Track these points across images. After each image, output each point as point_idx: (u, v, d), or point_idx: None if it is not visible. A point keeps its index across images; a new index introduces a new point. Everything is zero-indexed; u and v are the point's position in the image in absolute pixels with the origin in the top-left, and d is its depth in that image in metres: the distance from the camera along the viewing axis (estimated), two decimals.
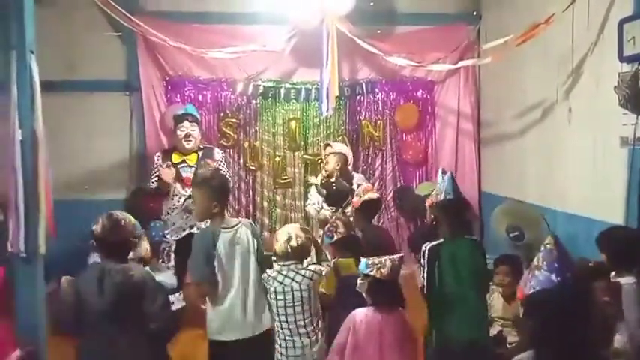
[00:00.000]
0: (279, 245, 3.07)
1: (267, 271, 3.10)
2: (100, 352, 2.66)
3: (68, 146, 5.37)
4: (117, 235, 2.73)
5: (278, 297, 3.00)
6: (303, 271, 3.04)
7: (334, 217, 3.55)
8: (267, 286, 3.05)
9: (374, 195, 4.19)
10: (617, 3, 3.48)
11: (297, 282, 3.00)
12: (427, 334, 3.17)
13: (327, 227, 3.50)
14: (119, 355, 2.65)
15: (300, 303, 2.99)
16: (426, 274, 3.09)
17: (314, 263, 3.19)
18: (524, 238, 4.05)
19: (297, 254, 3.07)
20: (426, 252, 3.09)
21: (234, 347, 3.00)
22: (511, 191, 5.02)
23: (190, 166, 4.61)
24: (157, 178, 4.59)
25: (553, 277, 2.01)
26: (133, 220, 2.82)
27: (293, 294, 2.99)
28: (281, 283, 3.00)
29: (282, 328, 3.03)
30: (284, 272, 3.03)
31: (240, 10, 5.57)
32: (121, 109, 5.66)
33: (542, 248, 2.11)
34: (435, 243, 3.10)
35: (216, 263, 2.98)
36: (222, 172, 4.48)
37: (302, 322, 3.01)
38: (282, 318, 3.01)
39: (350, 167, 5.02)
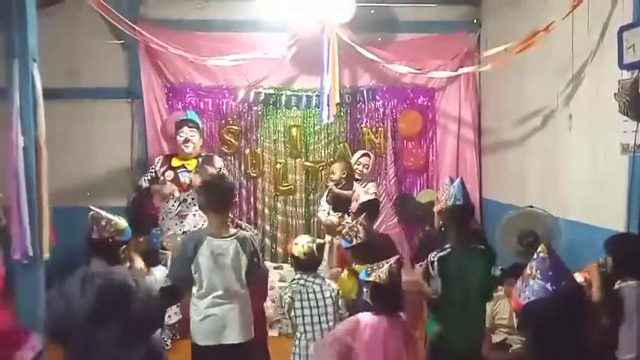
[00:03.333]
0: (297, 255, 3.20)
1: (289, 281, 3.21)
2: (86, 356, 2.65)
3: (70, 153, 5.37)
4: (96, 233, 2.72)
5: (302, 298, 3.09)
6: (327, 280, 3.19)
7: (356, 221, 3.57)
8: (290, 295, 3.10)
9: (369, 196, 4.21)
10: (617, 11, 3.49)
11: (317, 284, 3.13)
12: (429, 340, 3.16)
13: (346, 230, 3.51)
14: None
15: (324, 312, 3.09)
16: (440, 285, 3.06)
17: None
18: (539, 242, 4.00)
19: (312, 264, 3.22)
20: (435, 263, 3.07)
21: (216, 352, 3.01)
22: (512, 198, 5.02)
23: (189, 171, 4.70)
24: (150, 177, 4.72)
25: (548, 285, 1.97)
26: (119, 224, 2.79)
27: (315, 296, 3.09)
28: (303, 285, 3.11)
29: (303, 339, 3.09)
30: (305, 277, 3.15)
31: (241, 18, 5.59)
32: (122, 117, 5.67)
33: (534, 257, 2.08)
34: (443, 253, 3.07)
35: (193, 268, 2.97)
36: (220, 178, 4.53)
37: (326, 329, 3.07)
38: (308, 328, 3.08)
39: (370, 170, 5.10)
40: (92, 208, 2.81)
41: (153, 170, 4.84)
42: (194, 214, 4.59)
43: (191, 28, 5.60)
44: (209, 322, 3.00)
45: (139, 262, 3.47)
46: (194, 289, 3.04)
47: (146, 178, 4.84)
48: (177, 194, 4.63)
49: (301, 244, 3.22)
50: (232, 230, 3.11)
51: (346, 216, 4.56)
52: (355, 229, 3.46)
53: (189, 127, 4.79)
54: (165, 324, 4.04)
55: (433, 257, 3.10)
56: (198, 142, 4.86)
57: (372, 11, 5.57)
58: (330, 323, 3.11)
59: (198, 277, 2.99)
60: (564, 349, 1.95)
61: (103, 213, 2.80)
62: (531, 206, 4.27)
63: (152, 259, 3.92)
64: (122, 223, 2.82)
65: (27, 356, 2.51)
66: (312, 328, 3.09)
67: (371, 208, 4.11)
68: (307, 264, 3.21)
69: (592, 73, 3.81)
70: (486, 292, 3.19)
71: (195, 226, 4.58)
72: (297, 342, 3.13)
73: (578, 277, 2.86)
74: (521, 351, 3.32)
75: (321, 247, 3.30)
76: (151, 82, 5.62)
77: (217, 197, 3.08)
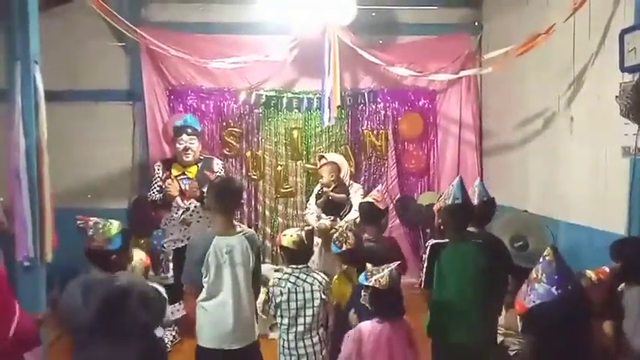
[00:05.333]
0: (286, 246, 3.14)
1: (277, 274, 3.15)
2: None
3: (71, 155, 5.38)
4: (87, 244, 2.66)
5: (290, 298, 3.04)
6: (314, 274, 3.12)
7: (345, 227, 3.55)
8: (277, 289, 3.07)
9: (368, 199, 4.21)
10: (618, 13, 3.50)
11: (308, 283, 3.07)
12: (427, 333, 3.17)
13: (336, 236, 3.50)
14: None
15: (310, 306, 3.04)
16: (425, 269, 3.10)
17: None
18: (528, 247, 4.04)
19: (303, 255, 3.16)
20: (429, 248, 3.11)
21: (220, 356, 2.99)
22: (513, 200, 5.01)
23: (190, 179, 4.59)
24: (159, 188, 4.59)
25: (553, 290, 1.96)
26: (111, 230, 2.69)
27: (304, 295, 3.04)
28: (294, 284, 3.06)
29: (287, 339, 3.06)
30: (296, 274, 3.09)
31: (242, 21, 5.60)
32: (124, 119, 5.69)
33: (540, 260, 2.08)
34: (439, 241, 3.11)
35: (204, 269, 2.98)
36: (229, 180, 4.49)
37: (308, 329, 3.04)
38: (292, 321, 3.04)
39: (348, 177, 5.01)
40: (78, 218, 2.70)
41: (157, 178, 4.70)
42: (198, 221, 4.57)
43: (192, 31, 5.61)
44: (217, 324, 2.99)
45: (139, 254, 3.46)
46: (203, 290, 3.03)
47: (155, 189, 4.58)
48: (180, 202, 4.59)
49: (289, 234, 3.18)
50: (238, 228, 3.11)
51: (338, 220, 4.55)
52: (345, 234, 3.44)
53: (189, 135, 4.58)
54: (168, 320, 4.04)
55: (428, 243, 3.14)
56: (198, 148, 4.72)
57: (373, 14, 5.58)
58: (316, 317, 3.07)
59: (208, 278, 2.99)
60: (569, 352, 1.94)
61: (91, 221, 2.69)
62: (526, 210, 4.28)
63: (153, 260, 3.93)
64: (110, 230, 2.69)
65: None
66: (295, 321, 3.06)
67: (366, 213, 4.07)
68: (298, 254, 3.15)
69: (593, 75, 3.81)
70: (488, 287, 3.17)
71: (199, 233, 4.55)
72: (283, 335, 3.10)
73: (592, 276, 2.86)
74: (524, 354, 3.32)
75: (309, 234, 3.22)
76: (152, 84, 5.63)
77: (225, 199, 3.08)
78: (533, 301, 1.98)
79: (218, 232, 3.05)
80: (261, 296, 3.23)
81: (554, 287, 1.96)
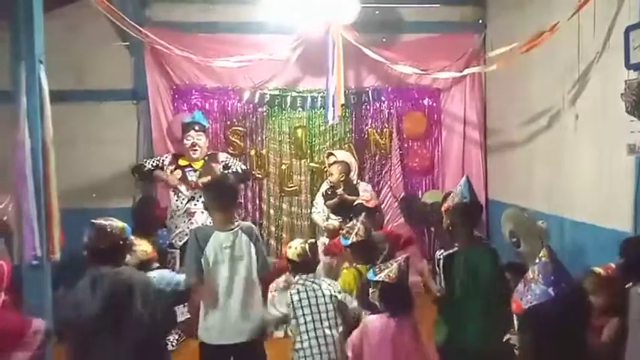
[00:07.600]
0: (291, 258, 3.19)
1: (295, 280, 3.18)
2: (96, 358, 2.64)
3: (76, 155, 5.39)
4: (104, 242, 2.68)
5: (303, 304, 3.05)
6: (321, 279, 3.16)
7: (356, 220, 3.57)
8: (294, 296, 3.07)
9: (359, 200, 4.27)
10: (624, 11, 3.48)
11: (317, 284, 3.11)
12: (437, 340, 3.14)
13: (346, 228, 3.52)
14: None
15: (325, 310, 3.05)
16: (444, 283, 3.06)
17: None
18: (520, 246, 4.03)
19: (308, 266, 3.19)
20: (441, 261, 3.07)
21: (222, 351, 3.02)
22: (518, 198, 5.01)
23: (195, 170, 4.72)
24: (155, 164, 4.81)
25: (550, 290, 1.97)
26: (119, 224, 2.76)
27: (317, 300, 3.06)
28: (304, 290, 3.08)
29: (305, 339, 3.04)
30: (305, 280, 3.12)
31: (246, 20, 5.60)
32: (128, 118, 5.70)
33: (537, 261, 2.08)
34: (449, 252, 3.07)
35: (202, 263, 2.99)
36: (229, 172, 4.62)
37: (327, 332, 3.04)
38: (310, 326, 3.04)
39: (355, 176, 5.02)
40: (94, 221, 2.75)
41: (160, 160, 4.87)
42: (202, 212, 4.61)
43: (197, 30, 5.62)
44: (218, 319, 3.00)
45: (146, 246, 3.47)
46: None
47: (151, 162, 4.89)
48: (185, 191, 4.66)
49: (294, 247, 3.23)
50: (235, 223, 3.13)
51: (347, 220, 4.55)
52: (356, 227, 3.44)
53: (196, 131, 4.78)
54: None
55: (439, 255, 3.09)
56: (205, 144, 4.87)
57: (377, 12, 5.57)
58: (331, 321, 3.07)
59: (206, 272, 3.00)
60: (566, 353, 1.95)
61: (103, 220, 2.75)
62: (524, 209, 4.28)
63: (159, 259, 3.93)
64: (120, 223, 2.78)
65: (33, 342, 2.56)
66: (313, 325, 3.05)
67: (360, 214, 4.09)
68: (302, 265, 3.20)
69: (598, 73, 3.79)
70: (498, 291, 3.16)
71: (203, 224, 4.59)
72: (299, 344, 3.08)
73: (600, 272, 2.85)
74: (520, 352, 3.31)
75: (313, 246, 3.27)
76: (156, 83, 5.64)
77: (221, 197, 3.11)
78: (530, 302, 1.99)
79: (217, 228, 3.08)
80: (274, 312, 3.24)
81: (551, 288, 1.97)
